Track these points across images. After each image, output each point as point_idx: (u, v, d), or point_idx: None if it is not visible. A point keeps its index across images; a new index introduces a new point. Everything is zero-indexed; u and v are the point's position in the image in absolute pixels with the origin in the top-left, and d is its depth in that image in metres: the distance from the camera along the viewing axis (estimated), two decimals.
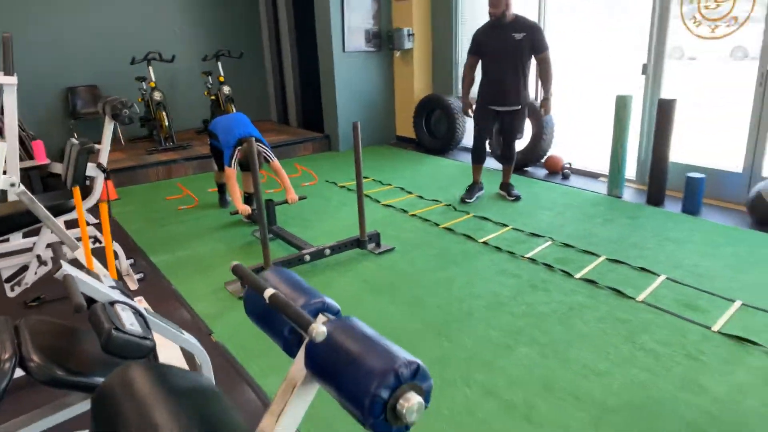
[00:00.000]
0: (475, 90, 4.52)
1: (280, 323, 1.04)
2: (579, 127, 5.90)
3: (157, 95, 6.21)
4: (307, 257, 3.33)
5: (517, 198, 4.59)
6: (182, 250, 3.79)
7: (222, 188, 4.72)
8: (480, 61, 4.37)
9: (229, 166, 3.93)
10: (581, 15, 5.36)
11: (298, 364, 0.97)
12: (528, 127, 5.55)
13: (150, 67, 6.32)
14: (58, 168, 3.71)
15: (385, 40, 6.68)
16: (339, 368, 0.87)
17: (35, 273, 3.18)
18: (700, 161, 4.48)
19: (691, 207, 4.15)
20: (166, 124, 6.29)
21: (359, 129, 3.32)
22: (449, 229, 3.98)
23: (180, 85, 7.23)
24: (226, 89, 6.55)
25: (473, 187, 4.62)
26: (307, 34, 7.14)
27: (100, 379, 1.59)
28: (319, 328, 0.84)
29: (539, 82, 4.40)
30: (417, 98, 6.65)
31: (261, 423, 0.98)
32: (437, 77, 6.74)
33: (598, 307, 2.81)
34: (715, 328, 2.57)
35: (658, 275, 3.11)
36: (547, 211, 4.28)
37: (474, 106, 4.50)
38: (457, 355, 2.46)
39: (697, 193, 4.12)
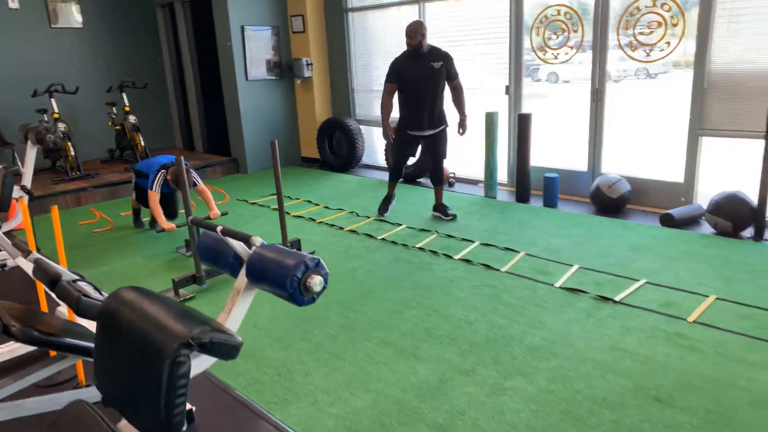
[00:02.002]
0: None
1: (226, 255, 1.54)
2: (462, 142, 6.73)
3: (61, 126, 6.30)
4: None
5: (454, 217, 4.72)
6: (105, 266, 4.06)
7: (137, 212, 4.98)
8: (397, 90, 4.55)
9: (152, 189, 4.28)
10: (457, 46, 6.21)
11: (241, 277, 1.48)
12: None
13: (52, 99, 6.41)
14: None
15: (285, 69, 7.24)
16: (268, 270, 1.39)
17: None
18: (557, 164, 5.41)
19: (549, 201, 5.03)
20: (72, 154, 6.39)
21: (276, 146, 3.85)
22: (353, 231, 4.56)
23: (84, 117, 7.32)
24: (132, 119, 6.76)
25: (388, 200, 4.89)
26: (209, 63, 7.53)
27: (68, 339, 1.99)
28: (257, 239, 1.36)
29: (455, 106, 4.66)
30: (319, 121, 7.25)
31: (218, 318, 1.47)
32: (336, 102, 7.39)
33: (471, 278, 3.49)
34: (557, 285, 3.32)
35: (519, 252, 3.87)
36: (434, 212, 4.98)
37: (395, 132, 4.68)
38: (359, 321, 3.01)
39: (553, 189, 5.01)
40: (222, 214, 4.33)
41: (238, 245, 1.45)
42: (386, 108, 4.62)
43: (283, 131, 7.43)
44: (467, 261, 3.78)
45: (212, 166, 7.06)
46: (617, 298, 3.09)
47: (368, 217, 4.91)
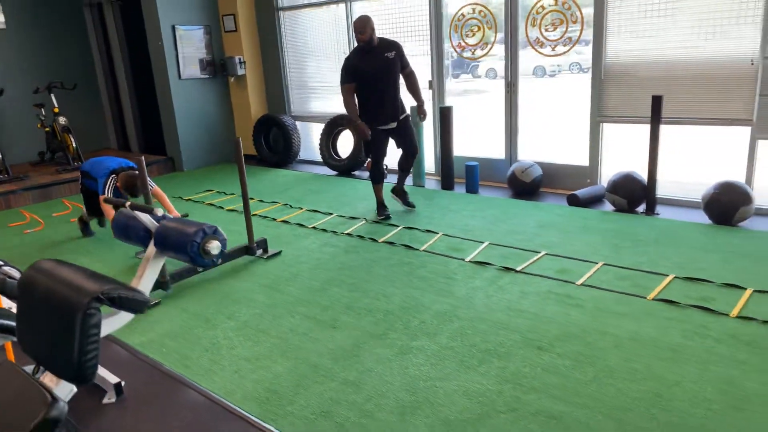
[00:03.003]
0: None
1: (137, 230, 1.74)
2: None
3: None
4: (200, 268, 3.53)
5: (413, 206, 4.80)
6: None
7: (86, 225, 4.67)
8: (356, 87, 4.44)
9: (103, 194, 4.11)
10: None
11: (150, 247, 1.68)
12: (350, 138, 6.57)
13: None
14: None
15: (218, 67, 7.33)
16: (172, 238, 1.61)
17: None
18: (481, 153, 5.77)
19: (471, 188, 5.39)
20: None
21: (240, 144, 3.94)
22: (285, 222, 4.76)
23: (11, 119, 7.18)
24: (62, 120, 6.70)
25: (382, 205, 4.74)
26: (142, 62, 7.52)
27: None
28: (159, 210, 1.57)
29: (411, 93, 4.66)
30: (254, 118, 7.38)
31: (132, 282, 1.67)
32: (271, 99, 7.54)
33: (392, 258, 3.77)
34: (467, 259, 3.65)
35: (438, 233, 4.18)
36: (364, 202, 5.24)
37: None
38: (285, 300, 3.23)
39: (473, 176, 5.36)
40: (183, 216, 4.08)
41: (146, 218, 1.65)
42: (351, 107, 4.48)
43: (219, 129, 7.52)
44: (390, 243, 4.06)
45: (148, 165, 7.01)
46: (518, 268, 3.44)
47: (300, 209, 5.12)
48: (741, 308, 2.78)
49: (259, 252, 3.99)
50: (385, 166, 4.74)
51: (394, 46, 4.48)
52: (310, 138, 7.39)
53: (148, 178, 3.93)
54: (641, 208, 4.49)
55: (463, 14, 5.54)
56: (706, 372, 2.30)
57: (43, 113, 6.99)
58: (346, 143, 6.74)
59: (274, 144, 7.36)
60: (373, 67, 4.39)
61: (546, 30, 5.01)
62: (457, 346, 2.62)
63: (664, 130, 4.39)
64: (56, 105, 6.83)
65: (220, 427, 2.17)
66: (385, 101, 4.48)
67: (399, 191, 4.89)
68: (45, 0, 7.43)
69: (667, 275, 3.21)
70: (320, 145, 6.79)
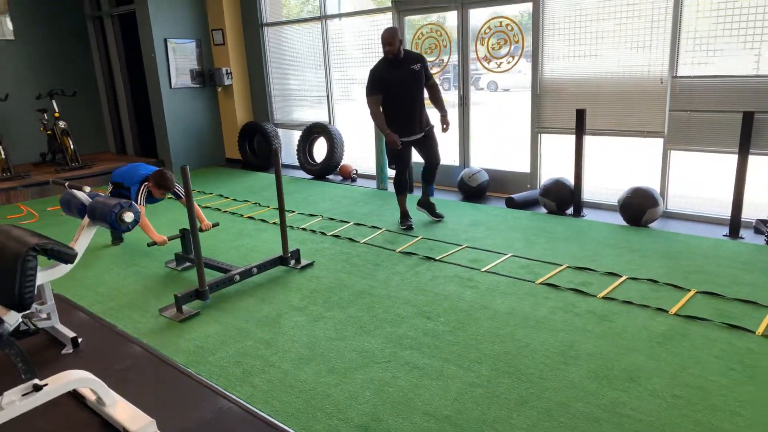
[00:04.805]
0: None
1: (76, 205, 2.26)
2: (361, 144, 7.54)
3: None
4: (237, 277, 3.55)
5: (441, 217, 4.80)
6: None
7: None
8: (382, 99, 4.45)
9: (137, 202, 4.11)
10: (360, 58, 7.04)
11: (86, 218, 2.20)
12: (324, 144, 7.10)
13: None
14: None
15: (207, 77, 7.92)
16: (99, 210, 2.12)
17: None
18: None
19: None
20: (3, 156, 6.90)
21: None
22: (251, 218, 5.28)
23: (16, 122, 7.81)
24: (61, 124, 7.31)
25: (406, 216, 4.76)
26: (138, 71, 8.14)
27: None
28: (86, 187, 2.09)
29: (435, 104, 4.70)
30: (240, 125, 7.95)
31: (70, 244, 2.19)
32: (256, 107, 8.11)
33: (333, 249, 4.27)
34: (398, 250, 4.14)
35: (381, 228, 4.68)
36: (328, 202, 5.76)
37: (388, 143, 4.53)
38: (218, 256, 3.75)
39: None
40: (213, 225, 4.17)
41: (82, 195, 2.18)
42: (379, 117, 4.49)
43: (207, 134, 8.10)
44: (336, 236, 4.57)
45: None
46: (438, 257, 3.93)
47: (267, 207, 5.64)
48: (609, 291, 3.25)
49: (292, 262, 3.93)
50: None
51: (420, 59, 4.52)
52: (291, 144, 7.93)
53: (180, 187, 4.03)
54: (570, 210, 4.96)
55: (422, 33, 6.07)
56: (554, 337, 2.77)
57: (45, 117, 7.60)
58: (321, 149, 7.27)
59: (258, 149, 7.92)
60: (399, 79, 4.42)
61: (493, 48, 5.53)
62: (362, 316, 3.11)
63: (592, 141, 4.88)
64: (57, 110, 7.45)
65: (151, 371, 2.68)
66: (412, 113, 4.51)
67: (425, 203, 4.92)
68: (51, 13, 8.08)
69: (562, 265, 3.68)
70: (297, 150, 7.34)
